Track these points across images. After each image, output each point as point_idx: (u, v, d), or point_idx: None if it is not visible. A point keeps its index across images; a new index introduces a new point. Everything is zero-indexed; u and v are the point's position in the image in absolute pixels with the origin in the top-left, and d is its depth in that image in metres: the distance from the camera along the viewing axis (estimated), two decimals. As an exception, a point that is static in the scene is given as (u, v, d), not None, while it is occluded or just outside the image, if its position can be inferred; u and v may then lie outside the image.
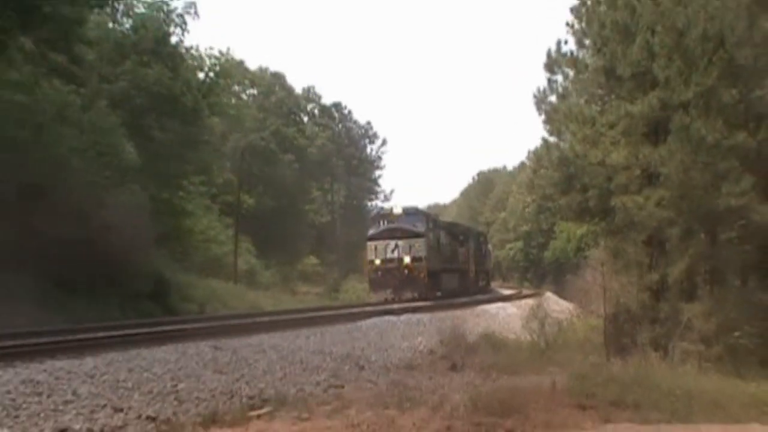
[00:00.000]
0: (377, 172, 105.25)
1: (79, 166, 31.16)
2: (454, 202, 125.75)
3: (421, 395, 14.75)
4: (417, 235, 40.07)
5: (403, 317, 31.22)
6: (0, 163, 26.64)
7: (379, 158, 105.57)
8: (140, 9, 46.66)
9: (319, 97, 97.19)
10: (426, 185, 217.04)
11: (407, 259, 39.29)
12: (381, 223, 43.07)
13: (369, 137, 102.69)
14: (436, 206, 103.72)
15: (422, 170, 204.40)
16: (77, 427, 11.14)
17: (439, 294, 42.51)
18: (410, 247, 39.67)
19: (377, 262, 40.75)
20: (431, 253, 40.70)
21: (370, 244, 42.10)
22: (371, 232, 43.67)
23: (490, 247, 76.63)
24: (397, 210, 43.71)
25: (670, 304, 31.57)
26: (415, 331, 26.96)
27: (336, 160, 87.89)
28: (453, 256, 50.35)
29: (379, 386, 15.88)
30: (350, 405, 13.45)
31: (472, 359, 20.41)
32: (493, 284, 78.87)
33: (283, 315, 32.31)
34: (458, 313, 35.36)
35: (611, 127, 32.70)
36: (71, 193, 29.47)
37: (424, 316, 32.00)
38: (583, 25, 35.56)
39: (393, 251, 39.49)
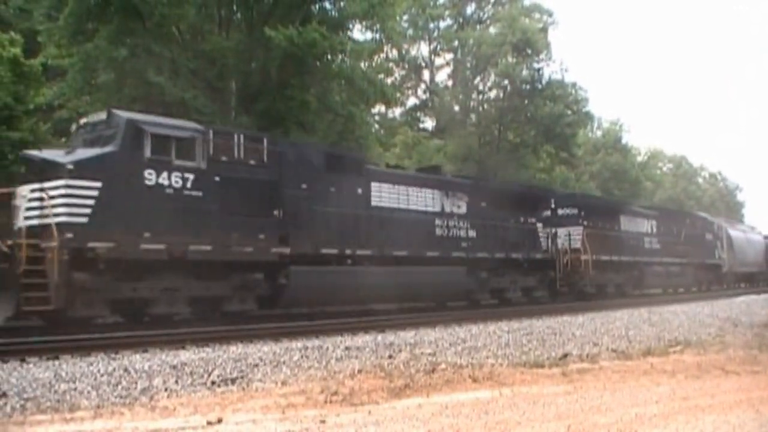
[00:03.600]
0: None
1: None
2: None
3: (775, 342, 13.86)
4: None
5: (762, 296, 30.16)
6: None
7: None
8: (605, 124, 56.66)
9: (707, 169, 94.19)
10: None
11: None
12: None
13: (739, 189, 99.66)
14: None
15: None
16: (574, 352, 11.60)
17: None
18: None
19: None
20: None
21: None
22: None
23: (733, 233, 41.38)
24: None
25: None
26: (770, 303, 24.75)
27: (719, 204, 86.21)
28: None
29: (746, 336, 15.09)
30: (729, 347, 12.97)
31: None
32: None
33: (686, 295, 31.46)
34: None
35: None
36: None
37: (775, 295, 29.87)
38: None
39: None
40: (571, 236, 25.43)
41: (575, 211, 26.48)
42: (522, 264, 22.93)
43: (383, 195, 18.49)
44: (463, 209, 20.91)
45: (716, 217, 43.90)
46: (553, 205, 26.28)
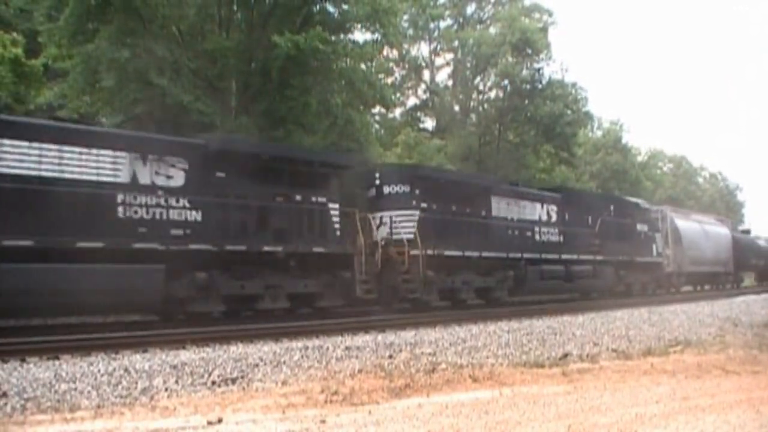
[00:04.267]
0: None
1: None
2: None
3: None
4: None
5: (762, 296, 30.15)
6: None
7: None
8: (605, 124, 56.58)
9: (707, 169, 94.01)
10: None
11: None
12: None
13: (739, 189, 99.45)
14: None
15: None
16: (575, 352, 11.57)
17: None
18: None
19: None
20: None
21: None
22: None
23: (682, 224, 33.01)
24: None
25: None
26: (768, 304, 24.93)
27: (719, 204, 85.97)
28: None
29: (746, 336, 15.11)
30: (729, 346, 12.98)
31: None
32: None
33: (686, 294, 31.17)
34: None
35: None
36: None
37: (772, 295, 29.80)
38: None
39: None
40: (395, 223, 18.81)
41: (407, 188, 19.26)
42: (287, 261, 16.28)
43: (12, 157, 12.23)
44: (179, 181, 14.47)
45: (658, 203, 36.71)
46: (377, 182, 19.63)
